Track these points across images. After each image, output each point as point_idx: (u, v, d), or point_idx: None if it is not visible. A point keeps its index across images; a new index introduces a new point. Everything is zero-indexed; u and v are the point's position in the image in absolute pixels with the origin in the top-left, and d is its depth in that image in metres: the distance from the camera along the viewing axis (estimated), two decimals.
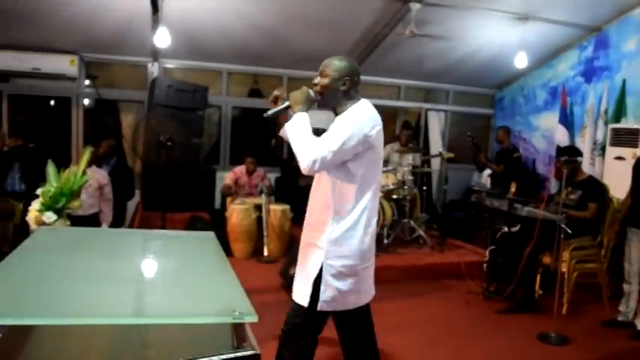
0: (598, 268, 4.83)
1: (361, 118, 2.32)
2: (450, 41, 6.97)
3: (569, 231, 4.13)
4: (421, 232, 6.44)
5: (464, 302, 4.95)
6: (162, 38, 6.03)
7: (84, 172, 3.98)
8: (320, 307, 2.36)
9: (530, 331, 4.26)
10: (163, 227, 6.19)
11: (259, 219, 6.06)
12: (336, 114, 2.45)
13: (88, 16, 6.14)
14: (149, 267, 2.29)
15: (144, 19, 6.28)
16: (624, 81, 6.73)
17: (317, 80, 2.44)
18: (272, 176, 7.55)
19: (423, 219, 6.87)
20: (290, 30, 6.76)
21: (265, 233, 5.94)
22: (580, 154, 5.03)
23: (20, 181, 6.07)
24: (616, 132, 6.50)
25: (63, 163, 4.93)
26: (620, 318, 4.50)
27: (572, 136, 7.47)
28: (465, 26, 6.73)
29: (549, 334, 4.12)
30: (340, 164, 2.30)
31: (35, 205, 3.75)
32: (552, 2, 6.39)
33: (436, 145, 8.88)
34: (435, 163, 8.61)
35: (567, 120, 7.49)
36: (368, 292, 2.54)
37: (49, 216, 3.68)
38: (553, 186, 7.45)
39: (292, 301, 2.50)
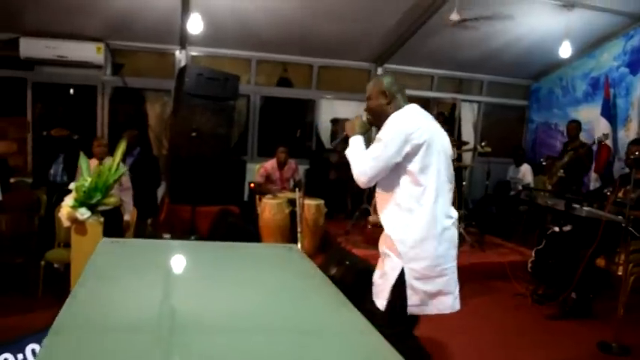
0: None
1: (400, 120, 2.43)
2: (490, 28, 6.64)
3: (637, 234, 3.85)
4: (460, 230, 6.16)
5: (512, 306, 4.70)
6: (194, 24, 5.81)
7: (117, 166, 3.80)
8: (413, 311, 2.43)
9: (588, 339, 3.99)
10: (192, 221, 6.02)
11: (292, 214, 5.84)
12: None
13: (114, 2, 5.93)
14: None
15: (172, 5, 6.06)
16: None
17: (366, 106, 2.66)
18: (301, 168, 7.33)
19: (461, 216, 6.59)
20: (320, 19, 6.52)
21: (299, 229, 5.70)
22: None
23: (63, 172, 5.96)
24: None
25: (88, 156, 4.78)
26: None
27: (615, 130, 7.16)
28: (508, 12, 6.40)
29: (610, 344, 3.86)
30: (394, 169, 2.40)
31: (68, 200, 3.56)
32: None
33: (469, 137, 8.59)
34: (466, 157, 8.34)
35: (610, 113, 7.17)
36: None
37: (83, 212, 3.50)
38: (592, 181, 7.15)
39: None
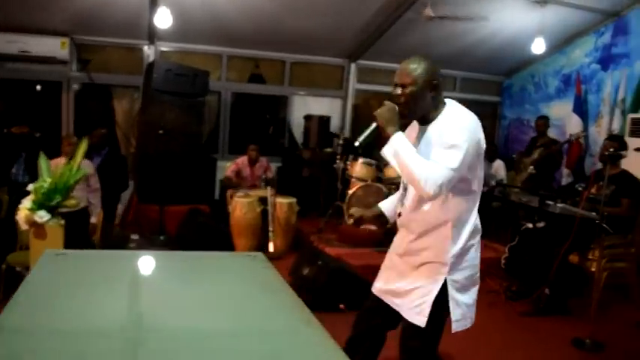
0: (628, 268, 4.56)
1: (470, 123, 2.09)
2: (464, 25, 6.61)
3: (611, 230, 3.84)
4: None
5: (485, 303, 4.64)
6: (163, 19, 5.64)
7: (78, 166, 3.64)
8: (457, 327, 2.22)
9: (562, 336, 3.98)
10: (161, 221, 5.87)
11: (264, 213, 5.73)
12: (425, 123, 2.20)
13: None
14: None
15: None
16: None
17: (398, 92, 2.15)
18: (273, 166, 7.22)
19: None
20: (293, 13, 6.38)
21: (271, 228, 5.61)
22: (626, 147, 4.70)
23: (24, 172, 5.69)
24: (636, 122, 6.21)
25: (54, 154, 4.58)
26: None
27: (586, 126, 7.20)
28: (482, 9, 6.37)
29: (584, 340, 3.84)
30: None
31: (26, 202, 3.39)
32: None
33: None
34: None
35: (582, 109, 7.20)
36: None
37: (42, 215, 3.33)
38: (564, 177, 7.19)
39: (404, 321, 2.28)
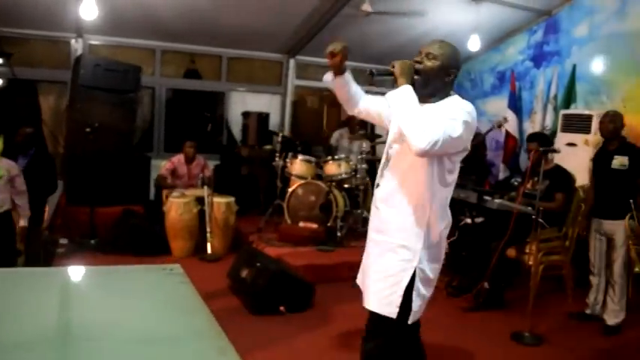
0: (563, 260, 4.65)
1: (472, 113, 2.12)
2: (403, 21, 6.63)
3: (546, 225, 3.89)
4: None
5: None
6: (88, 10, 5.33)
7: None
8: (412, 319, 2.21)
9: (502, 330, 4.01)
10: (92, 224, 5.58)
11: (201, 213, 5.53)
12: (428, 102, 2.20)
13: None
14: None
15: None
16: (574, 66, 6.63)
17: (421, 59, 2.20)
18: (211, 164, 7.01)
19: None
20: (230, 7, 6.19)
21: (208, 229, 5.42)
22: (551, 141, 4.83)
23: None
24: (567, 118, 6.38)
25: None
26: (587, 311, 4.36)
27: (520, 122, 7.37)
28: (419, 6, 6.39)
29: (523, 334, 3.89)
30: (439, 159, 2.15)
31: None
32: None
33: (382, 130, 8.56)
34: (380, 150, 8.34)
35: (516, 105, 7.37)
36: None
37: None
38: (501, 172, 7.34)
39: (368, 313, 2.27)
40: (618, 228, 4.07)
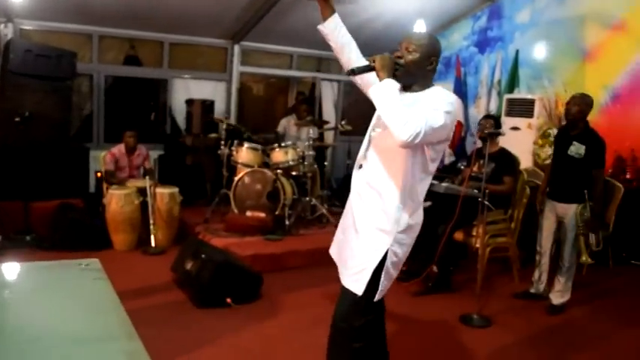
0: (509, 242, 4.73)
1: (454, 104, 2.16)
2: (348, 7, 6.53)
3: (492, 208, 3.91)
4: (324, 211, 6.04)
5: None
6: None
7: None
8: (378, 296, 2.26)
9: (452, 312, 4.02)
10: (26, 219, 5.29)
11: (143, 205, 5.32)
12: (410, 91, 2.27)
13: None
14: None
15: None
16: (517, 52, 6.76)
17: (401, 54, 2.23)
18: (154, 154, 6.76)
19: (324, 196, 6.48)
20: None
21: (151, 221, 5.22)
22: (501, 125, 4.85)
23: None
24: (511, 102, 6.50)
25: None
26: (532, 290, 4.44)
27: (466, 107, 7.46)
28: None
29: (472, 316, 3.91)
30: (419, 147, 2.16)
31: None
32: None
33: (330, 116, 8.51)
34: (328, 137, 8.29)
35: (462, 90, 7.45)
36: None
37: None
38: (446, 157, 7.40)
39: (341, 289, 2.34)
40: (569, 212, 4.10)
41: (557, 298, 4.20)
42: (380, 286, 2.24)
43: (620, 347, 3.72)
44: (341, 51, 2.47)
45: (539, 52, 6.57)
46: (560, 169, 4.21)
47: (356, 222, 2.32)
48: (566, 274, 4.17)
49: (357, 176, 2.37)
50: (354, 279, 2.27)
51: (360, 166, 2.36)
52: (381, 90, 2.08)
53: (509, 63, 6.85)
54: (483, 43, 7.27)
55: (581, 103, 4.01)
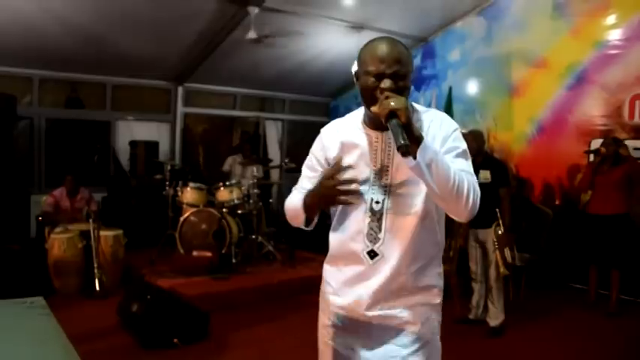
0: (449, 270, 4.90)
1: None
2: (291, 47, 6.78)
3: None
4: (270, 248, 6.13)
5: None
6: None
7: None
8: None
9: None
10: None
11: (87, 248, 5.26)
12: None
13: None
14: None
15: None
16: (450, 88, 7.10)
17: (400, 84, 1.61)
18: (98, 196, 6.69)
19: (270, 233, 6.56)
20: (111, 31, 5.98)
21: (95, 264, 5.16)
22: None
23: None
24: None
25: None
26: (470, 316, 4.64)
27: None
28: (303, 30, 6.58)
29: None
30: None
31: None
32: (384, 13, 6.55)
33: (275, 154, 8.66)
34: (274, 174, 8.41)
35: None
36: None
37: None
38: None
39: None
40: (488, 236, 4.39)
41: (493, 320, 4.40)
42: None
43: None
44: None
45: (471, 88, 6.95)
46: None
47: (389, 313, 1.74)
48: (497, 295, 4.39)
49: (377, 262, 1.69)
50: None
51: (373, 252, 1.69)
52: (428, 154, 1.48)
53: (443, 99, 7.18)
54: (419, 81, 7.61)
55: (477, 139, 4.51)
